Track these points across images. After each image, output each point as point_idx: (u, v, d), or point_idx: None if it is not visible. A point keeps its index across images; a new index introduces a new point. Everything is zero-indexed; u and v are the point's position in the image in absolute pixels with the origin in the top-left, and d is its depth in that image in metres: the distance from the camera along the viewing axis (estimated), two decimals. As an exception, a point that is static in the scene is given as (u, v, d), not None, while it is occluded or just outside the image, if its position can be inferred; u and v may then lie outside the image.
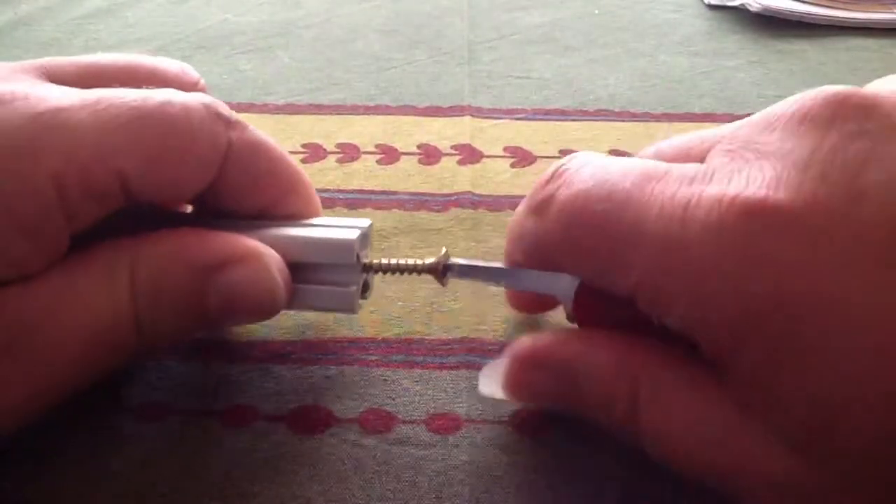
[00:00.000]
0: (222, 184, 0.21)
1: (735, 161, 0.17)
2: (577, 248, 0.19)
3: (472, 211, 0.30)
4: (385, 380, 0.23)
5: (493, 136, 0.35)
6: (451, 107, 0.37)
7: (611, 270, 0.18)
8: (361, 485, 0.20)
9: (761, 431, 0.16)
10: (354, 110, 0.37)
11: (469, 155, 0.33)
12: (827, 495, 0.15)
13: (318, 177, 0.31)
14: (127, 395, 0.22)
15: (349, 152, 0.33)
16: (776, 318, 0.15)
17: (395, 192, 0.31)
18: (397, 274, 0.23)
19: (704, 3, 0.48)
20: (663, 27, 0.45)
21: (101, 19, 0.46)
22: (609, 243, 0.18)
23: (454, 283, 0.23)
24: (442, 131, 0.35)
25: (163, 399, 0.22)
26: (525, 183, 0.31)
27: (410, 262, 0.22)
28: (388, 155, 0.33)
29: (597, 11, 0.48)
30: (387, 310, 0.25)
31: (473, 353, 0.24)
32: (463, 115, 0.36)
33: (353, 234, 0.21)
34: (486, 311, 0.25)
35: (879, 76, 0.18)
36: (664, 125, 0.36)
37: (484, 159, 0.33)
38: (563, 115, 0.36)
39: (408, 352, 0.24)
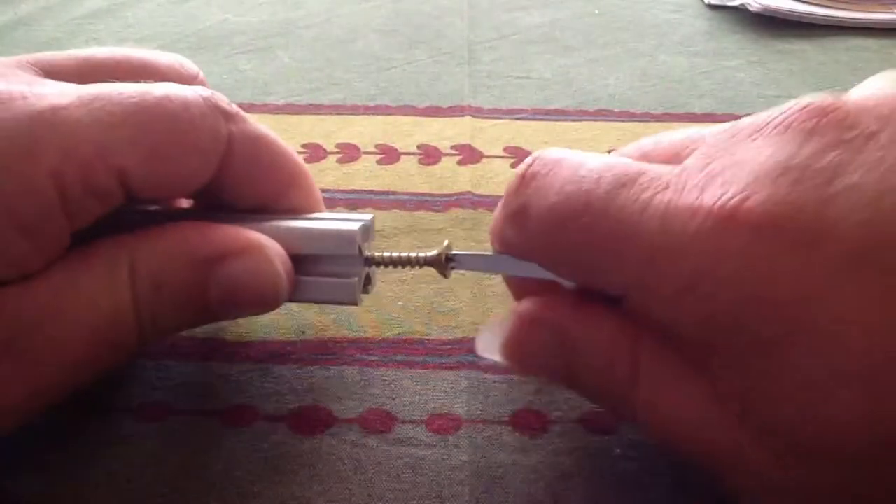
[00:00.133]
0: (223, 177, 0.20)
1: (713, 165, 0.17)
2: (559, 261, 0.19)
3: (472, 211, 0.30)
4: (385, 380, 0.23)
5: (493, 136, 0.35)
6: (451, 107, 0.37)
7: (595, 278, 0.18)
8: (361, 485, 0.20)
9: (739, 426, 0.16)
10: (354, 110, 0.37)
11: (469, 155, 0.33)
12: (806, 494, 0.16)
13: (319, 177, 0.31)
14: (127, 395, 0.22)
15: (349, 152, 0.33)
16: (746, 323, 0.15)
17: (395, 192, 0.31)
18: (399, 267, 0.22)
19: (704, 3, 0.48)
20: (663, 27, 0.45)
21: (101, 19, 0.46)
22: (591, 254, 0.18)
23: (454, 283, 0.23)
24: (442, 131, 0.35)
25: (163, 399, 0.22)
26: (525, 183, 0.31)
27: (412, 254, 0.22)
28: (388, 155, 0.33)
29: (597, 11, 0.48)
30: (387, 310, 0.25)
31: (473, 353, 0.24)
32: (463, 115, 0.36)
33: (355, 226, 0.21)
34: (486, 311, 0.25)
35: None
36: (664, 125, 0.36)
37: (484, 159, 0.33)
38: (563, 115, 0.36)
39: (408, 352, 0.24)
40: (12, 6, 0.47)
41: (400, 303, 0.26)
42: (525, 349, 0.20)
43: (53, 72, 0.21)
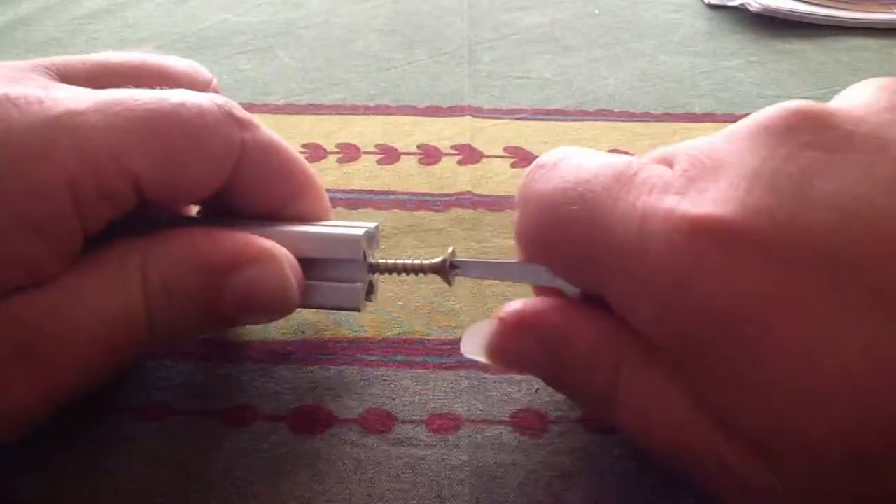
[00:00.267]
0: (234, 184, 0.21)
1: (694, 169, 0.17)
2: (548, 246, 0.19)
3: (472, 211, 0.30)
4: (385, 380, 0.23)
5: (493, 136, 0.35)
6: (451, 107, 0.37)
7: (578, 270, 0.18)
8: (361, 485, 0.20)
9: (718, 429, 0.16)
10: (354, 110, 0.37)
11: (469, 155, 0.33)
12: (783, 494, 0.16)
13: (319, 177, 0.31)
14: (127, 395, 0.22)
15: (349, 152, 0.33)
16: (717, 337, 0.15)
17: (395, 192, 0.31)
18: (403, 274, 0.22)
19: (704, 3, 0.48)
20: (663, 27, 0.45)
21: (101, 19, 0.46)
22: (577, 245, 0.18)
23: (455, 283, 0.23)
24: (442, 131, 0.35)
25: (163, 399, 0.22)
26: (525, 183, 0.31)
27: (416, 261, 0.22)
28: (388, 155, 0.33)
29: (597, 11, 0.48)
30: (387, 310, 0.25)
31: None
32: (463, 115, 0.36)
33: (360, 231, 0.22)
34: (486, 311, 0.25)
35: (879, 76, 0.18)
36: (664, 125, 0.36)
37: (484, 159, 0.33)
38: (563, 115, 0.36)
39: (408, 352, 0.24)
40: (12, 6, 0.47)
41: (400, 303, 0.26)
42: (508, 354, 0.20)
43: (68, 76, 0.21)
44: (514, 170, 0.32)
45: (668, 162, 0.18)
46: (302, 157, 0.23)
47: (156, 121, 0.19)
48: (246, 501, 0.20)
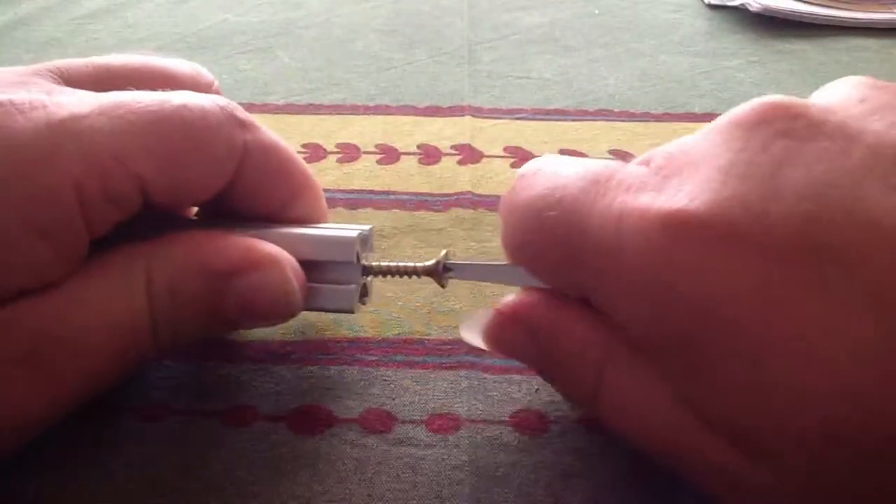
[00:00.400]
0: (235, 185, 0.21)
1: (669, 166, 0.17)
2: (532, 253, 0.19)
3: (472, 211, 0.30)
4: (385, 380, 0.23)
5: (493, 136, 0.35)
6: (451, 107, 0.37)
7: (563, 274, 0.19)
8: (361, 485, 0.20)
9: (704, 428, 0.16)
10: (354, 110, 0.37)
11: (469, 155, 0.33)
12: (774, 491, 0.16)
13: (318, 177, 0.31)
14: (127, 395, 0.22)
15: (349, 152, 0.33)
16: (695, 333, 0.15)
17: (395, 192, 0.31)
18: (397, 277, 0.23)
19: (704, 3, 0.48)
20: (663, 27, 0.45)
21: (101, 19, 0.46)
22: (559, 249, 0.18)
23: (454, 283, 0.23)
24: (442, 131, 0.35)
25: (163, 399, 0.22)
26: (525, 183, 0.31)
27: (410, 264, 0.22)
28: (388, 155, 0.33)
29: (597, 11, 0.48)
30: (387, 310, 0.25)
31: (473, 353, 0.24)
32: (463, 115, 0.36)
33: (353, 233, 0.22)
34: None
35: (879, 76, 0.18)
36: (664, 125, 0.36)
37: (484, 159, 0.33)
38: (563, 115, 0.36)
39: (408, 352, 0.24)
40: (12, 6, 0.47)
41: (400, 303, 0.26)
42: (501, 342, 0.20)
43: (72, 79, 0.21)
44: (514, 170, 0.32)
45: (647, 163, 0.18)
46: (301, 159, 0.23)
47: (159, 123, 0.19)
48: (246, 501, 0.20)
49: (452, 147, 0.34)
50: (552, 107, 0.37)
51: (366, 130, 0.35)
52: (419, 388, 0.23)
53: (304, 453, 0.21)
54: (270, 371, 0.23)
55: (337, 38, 0.44)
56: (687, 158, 0.17)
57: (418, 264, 0.22)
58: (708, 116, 0.36)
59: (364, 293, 0.23)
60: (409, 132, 0.35)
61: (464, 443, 0.21)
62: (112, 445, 0.21)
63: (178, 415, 0.22)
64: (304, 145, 0.34)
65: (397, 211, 0.30)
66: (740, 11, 0.46)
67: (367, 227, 0.23)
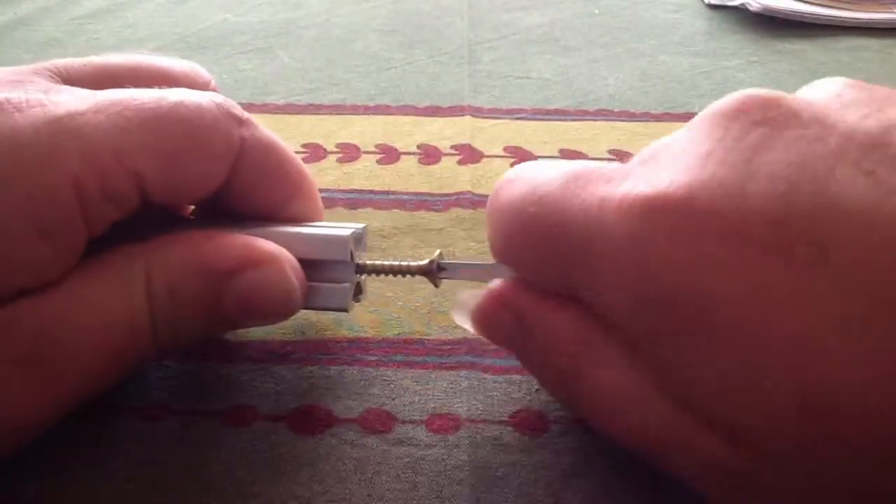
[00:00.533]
0: (232, 182, 0.21)
1: (651, 158, 0.17)
2: (517, 253, 0.19)
3: (472, 211, 0.30)
4: (385, 380, 0.23)
5: (493, 136, 0.35)
6: (451, 107, 0.37)
7: (548, 272, 0.19)
8: (361, 485, 0.20)
9: (682, 413, 0.16)
10: (354, 110, 0.37)
11: (469, 155, 0.33)
12: (758, 479, 0.16)
13: (318, 177, 0.31)
14: (127, 395, 0.22)
15: (349, 152, 0.33)
16: (674, 317, 0.16)
17: (395, 192, 0.31)
18: (390, 276, 0.23)
19: (704, 3, 0.48)
20: (663, 27, 0.45)
21: (101, 19, 0.46)
22: (542, 246, 0.18)
23: (454, 283, 0.23)
24: (442, 131, 0.35)
25: (163, 399, 0.22)
26: (525, 183, 0.31)
27: (404, 263, 0.22)
28: (388, 155, 0.33)
29: (597, 11, 0.48)
30: (387, 310, 0.25)
31: (473, 353, 0.24)
32: (463, 115, 0.36)
33: (347, 232, 0.22)
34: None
35: (879, 76, 0.18)
36: (664, 125, 0.36)
37: (484, 159, 0.33)
38: (563, 115, 0.36)
39: (408, 352, 0.24)
40: (12, 6, 0.47)
41: (400, 303, 0.26)
42: (488, 325, 0.20)
43: (70, 78, 0.21)
44: (514, 170, 0.32)
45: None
46: (297, 157, 0.23)
47: (156, 120, 0.19)
48: (246, 501, 0.20)
49: (452, 147, 0.34)
50: (552, 107, 0.37)
51: (366, 130, 0.35)
52: (419, 388, 0.23)
53: (304, 453, 0.21)
54: (270, 371, 0.23)
55: (337, 38, 0.44)
56: (668, 150, 0.17)
57: (412, 263, 0.22)
58: (708, 116, 0.36)
59: (358, 292, 0.23)
60: (409, 132, 0.35)
61: (464, 443, 0.21)
62: (112, 445, 0.21)
63: (178, 415, 0.22)
64: (304, 145, 0.34)
65: (397, 211, 0.30)
66: (740, 11, 0.46)
67: (360, 226, 0.23)
